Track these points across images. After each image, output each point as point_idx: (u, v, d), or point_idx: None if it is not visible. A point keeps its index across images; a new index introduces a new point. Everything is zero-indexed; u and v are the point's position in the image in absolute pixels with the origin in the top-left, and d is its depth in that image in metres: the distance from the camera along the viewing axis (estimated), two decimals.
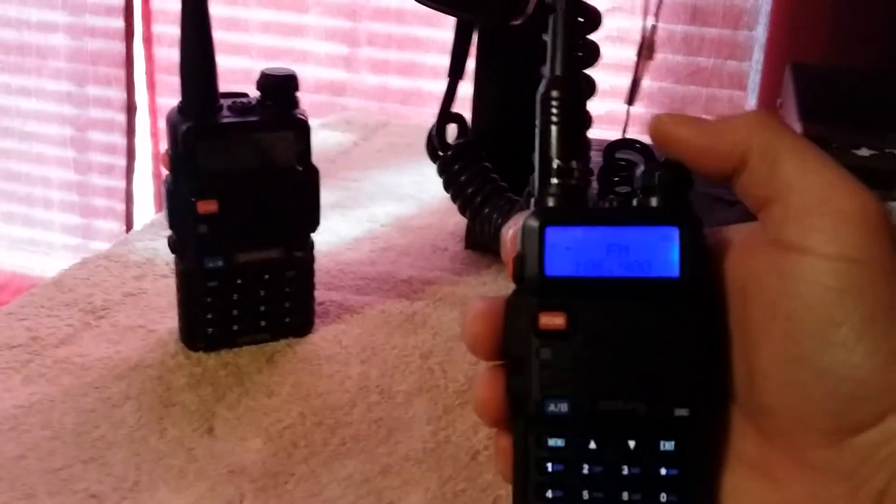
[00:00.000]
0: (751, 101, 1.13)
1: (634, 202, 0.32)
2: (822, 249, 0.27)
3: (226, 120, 0.53)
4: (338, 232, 0.76)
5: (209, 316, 0.56)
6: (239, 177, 0.54)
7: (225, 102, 0.53)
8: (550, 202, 0.31)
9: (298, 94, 0.55)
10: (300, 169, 0.55)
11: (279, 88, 0.54)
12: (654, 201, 0.31)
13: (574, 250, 0.30)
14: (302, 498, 0.45)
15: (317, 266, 0.69)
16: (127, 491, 0.45)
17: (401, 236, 0.76)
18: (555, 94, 0.31)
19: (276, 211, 0.55)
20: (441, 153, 0.66)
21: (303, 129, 0.54)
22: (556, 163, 0.31)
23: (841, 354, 0.27)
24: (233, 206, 0.54)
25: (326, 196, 0.84)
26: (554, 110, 0.31)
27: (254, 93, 0.54)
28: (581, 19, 0.60)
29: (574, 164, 0.31)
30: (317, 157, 0.94)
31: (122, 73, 1.53)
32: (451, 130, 0.67)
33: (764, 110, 0.30)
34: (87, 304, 0.62)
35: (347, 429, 0.51)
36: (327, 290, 0.66)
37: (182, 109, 0.52)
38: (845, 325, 0.27)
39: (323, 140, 0.99)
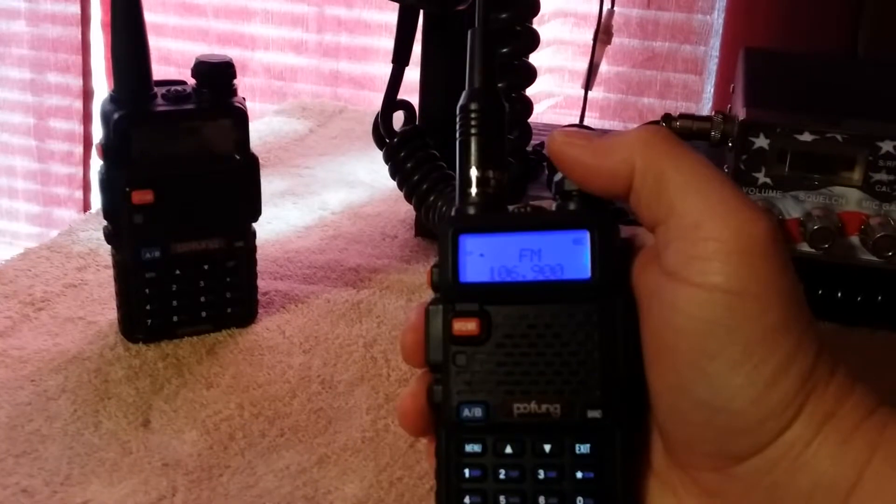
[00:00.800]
0: (707, 87, 1.13)
1: (553, 207, 0.32)
2: (696, 280, 0.27)
3: (160, 108, 0.52)
4: (288, 220, 0.76)
5: (148, 307, 0.55)
6: (175, 166, 0.53)
7: (160, 90, 0.53)
8: (470, 210, 0.32)
9: (243, 80, 0.55)
10: (238, 158, 0.54)
11: (215, 76, 0.53)
12: (571, 206, 0.32)
13: (487, 257, 0.31)
14: (236, 490, 0.45)
15: (264, 255, 0.68)
16: (58, 485, 0.45)
17: (351, 224, 0.76)
18: (473, 105, 0.32)
19: (215, 201, 0.54)
20: (387, 140, 0.66)
21: (240, 117, 0.54)
22: (474, 172, 0.32)
23: (716, 387, 0.27)
24: (169, 195, 0.53)
25: (278, 183, 0.84)
26: (472, 122, 0.32)
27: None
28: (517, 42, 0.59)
29: (491, 173, 0.32)
30: (270, 145, 0.94)
31: (79, 59, 1.50)
32: (399, 117, 0.66)
33: (653, 127, 0.30)
34: (27, 295, 0.61)
35: (286, 420, 0.50)
36: (273, 279, 0.65)
37: (114, 98, 0.52)
38: (719, 358, 0.26)
39: (278, 127, 0.98)
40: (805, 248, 0.58)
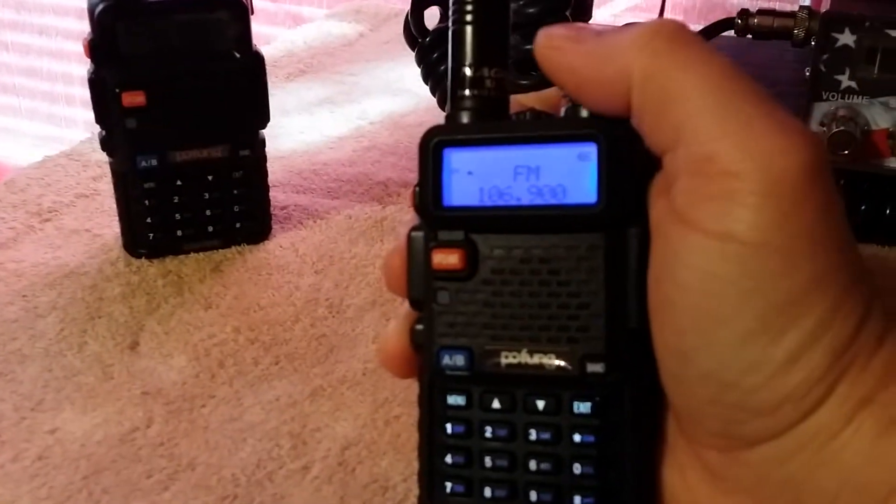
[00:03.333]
0: None
1: (562, 112, 0.26)
2: (707, 225, 0.20)
3: None
4: (322, 129, 0.71)
5: (149, 220, 0.51)
6: (168, 65, 0.48)
7: None
8: (463, 118, 0.26)
9: None
10: (238, 56, 0.49)
11: None
12: (583, 110, 0.25)
13: (477, 175, 0.25)
14: (217, 423, 0.41)
15: (289, 166, 0.63)
16: (28, 410, 0.41)
17: (389, 134, 0.70)
18: None
19: (214, 104, 0.49)
20: (419, 40, 0.59)
21: (239, 10, 0.48)
22: (467, 71, 0.26)
23: (724, 359, 0.20)
24: (163, 97, 0.48)
25: (318, 91, 0.79)
26: (467, 7, 0.26)
27: None
28: None
29: (488, 71, 0.26)
30: (316, 50, 0.88)
31: None
32: (433, 14, 0.60)
33: (660, 22, 0.22)
34: (36, 205, 0.58)
35: (284, 346, 0.46)
36: (295, 192, 0.60)
37: None
38: (730, 325, 0.20)
39: (327, 31, 0.92)
40: (894, 163, 0.49)
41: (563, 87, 0.24)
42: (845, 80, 0.50)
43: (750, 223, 0.20)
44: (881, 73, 0.49)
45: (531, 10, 0.54)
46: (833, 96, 0.50)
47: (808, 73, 0.52)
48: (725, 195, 0.20)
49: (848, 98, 0.50)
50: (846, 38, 0.49)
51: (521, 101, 0.28)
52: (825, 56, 0.50)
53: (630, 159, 0.24)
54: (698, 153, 0.20)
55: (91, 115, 0.49)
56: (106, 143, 0.50)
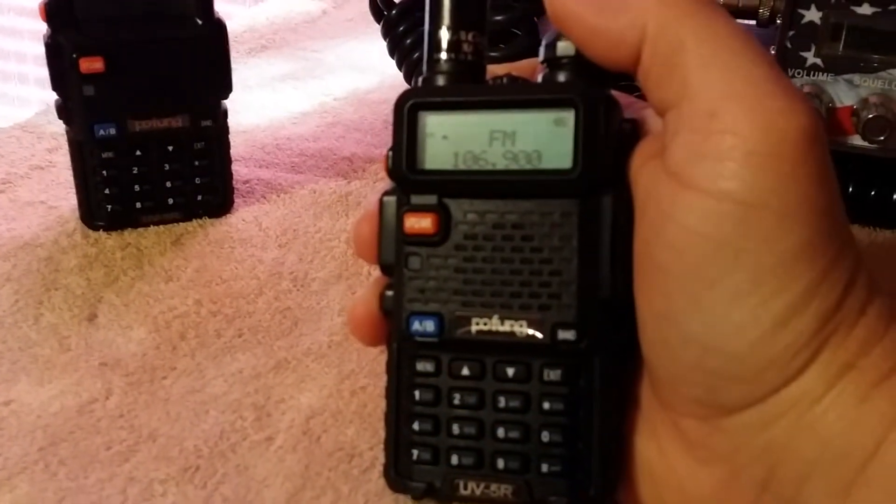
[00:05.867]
0: None
1: (539, 78, 0.26)
2: (703, 184, 0.20)
3: None
4: (285, 105, 0.69)
5: (107, 191, 0.50)
6: (127, 30, 0.47)
7: None
8: (439, 81, 0.26)
9: None
10: (200, 22, 0.48)
11: None
12: (561, 76, 0.25)
13: (452, 139, 0.25)
14: (178, 394, 0.40)
15: (252, 141, 0.62)
16: None
17: (353, 111, 0.69)
18: None
19: (175, 72, 0.48)
20: (385, 13, 0.59)
21: None
22: (444, 34, 0.26)
23: (711, 321, 0.21)
24: (122, 64, 0.47)
25: (281, 66, 0.77)
26: None
27: None
28: None
29: (465, 35, 0.26)
30: (278, 26, 0.87)
31: None
32: None
33: None
34: None
35: (247, 319, 0.45)
36: (258, 166, 0.59)
37: None
38: (720, 286, 0.20)
39: (290, 7, 0.91)
40: (857, 141, 0.50)
41: (568, 35, 0.24)
42: (811, 57, 0.50)
43: (748, 183, 0.20)
44: (846, 49, 0.49)
45: None
46: (798, 73, 0.50)
47: (773, 52, 0.52)
48: (724, 153, 0.20)
49: (813, 75, 0.50)
50: (812, 15, 0.49)
51: (494, 72, 0.28)
52: (791, 33, 0.50)
53: (608, 126, 0.24)
54: (702, 109, 0.20)
55: (45, 95, 0.48)
56: (62, 111, 0.48)
